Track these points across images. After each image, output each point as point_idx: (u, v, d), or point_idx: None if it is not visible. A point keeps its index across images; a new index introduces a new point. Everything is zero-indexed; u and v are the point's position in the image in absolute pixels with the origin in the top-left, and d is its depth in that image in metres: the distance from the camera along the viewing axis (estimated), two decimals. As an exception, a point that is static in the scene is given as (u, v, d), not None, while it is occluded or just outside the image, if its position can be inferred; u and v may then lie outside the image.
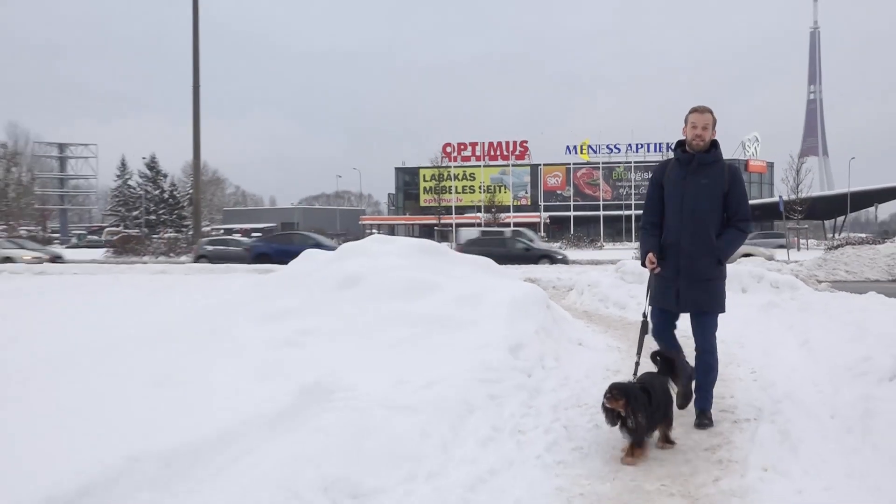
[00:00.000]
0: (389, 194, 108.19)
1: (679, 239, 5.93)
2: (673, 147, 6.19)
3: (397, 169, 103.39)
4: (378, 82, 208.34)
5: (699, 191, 5.87)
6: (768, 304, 12.37)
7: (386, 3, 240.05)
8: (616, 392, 5.27)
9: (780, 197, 53.29)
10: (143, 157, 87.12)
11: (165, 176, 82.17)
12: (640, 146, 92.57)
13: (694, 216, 5.87)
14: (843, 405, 6.07)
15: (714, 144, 6.00)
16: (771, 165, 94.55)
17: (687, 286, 5.93)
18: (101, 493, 3.97)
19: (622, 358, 9.03)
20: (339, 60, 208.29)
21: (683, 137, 6.04)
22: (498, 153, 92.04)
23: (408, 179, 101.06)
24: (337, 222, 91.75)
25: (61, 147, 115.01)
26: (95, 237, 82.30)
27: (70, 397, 5.93)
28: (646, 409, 5.21)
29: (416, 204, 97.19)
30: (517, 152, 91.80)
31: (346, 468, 4.65)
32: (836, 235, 45.73)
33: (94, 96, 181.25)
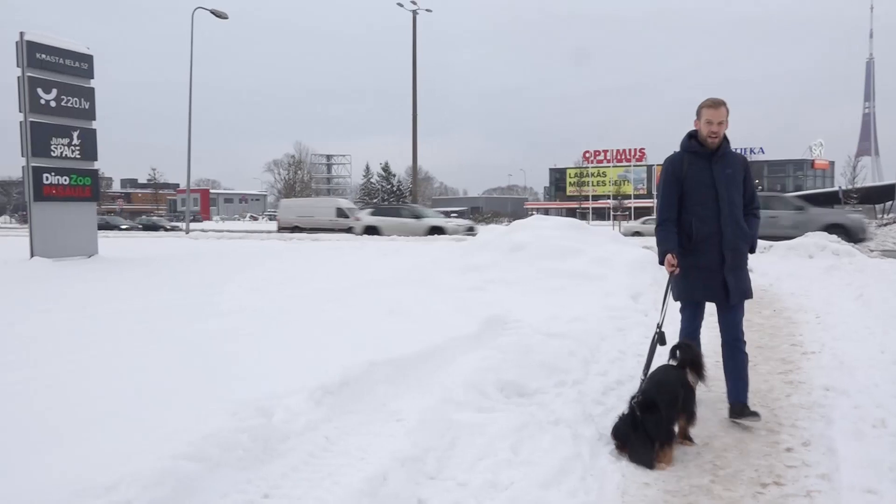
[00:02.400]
0: (545, 187, 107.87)
1: (720, 229, 4.10)
2: (684, 141, 4.27)
3: (551, 169, 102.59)
4: (540, 108, 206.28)
5: (728, 181, 4.14)
6: (830, 266, 11.37)
7: (541, 49, 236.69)
8: (616, 438, 3.66)
9: (840, 187, 49.59)
10: (380, 163, 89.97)
11: (394, 175, 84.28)
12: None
13: (731, 206, 4.12)
14: (891, 342, 5.63)
15: (724, 137, 4.23)
16: (832, 164, 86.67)
17: (735, 276, 4.15)
18: (354, 384, 4.13)
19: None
20: (511, 93, 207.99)
21: (694, 129, 4.23)
22: (623, 156, 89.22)
23: (558, 176, 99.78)
24: (508, 206, 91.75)
25: (328, 157, 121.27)
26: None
27: (331, 321, 6.21)
28: (657, 425, 3.51)
29: (564, 193, 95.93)
30: (637, 156, 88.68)
31: (516, 375, 4.64)
32: (885, 216, 41.77)
33: (348, 125, 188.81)
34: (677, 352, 3.95)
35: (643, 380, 3.83)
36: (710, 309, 4.37)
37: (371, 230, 28.60)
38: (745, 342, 4.23)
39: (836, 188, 53.44)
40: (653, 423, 3.50)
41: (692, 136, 4.22)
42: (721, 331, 4.28)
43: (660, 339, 4.01)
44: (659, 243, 4.22)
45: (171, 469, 2.77)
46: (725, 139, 4.17)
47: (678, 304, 4.42)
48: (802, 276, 10.50)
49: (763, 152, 77.06)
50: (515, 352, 5.02)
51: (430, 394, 4.15)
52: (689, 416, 3.79)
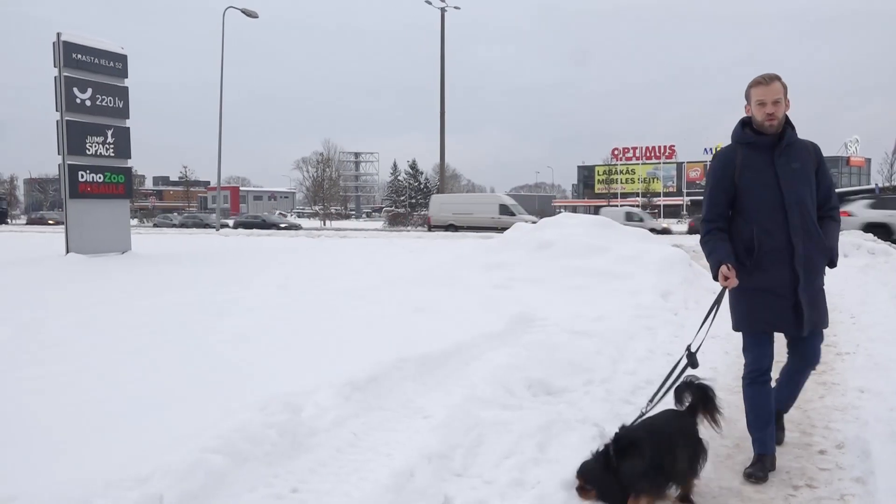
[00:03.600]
0: (573, 184, 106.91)
1: (789, 240, 3.22)
2: (736, 130, 3.39)
3: (579, 167, 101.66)
4: (569, 104, 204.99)
5: (796, 178, 3.24)
6: (865, 265, 11.14)
7: (571, 45, 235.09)
8: (582, 477, 2.90)
9: (877, 184, 48.62)
10: (408, 161, 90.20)
11: (422, 173, 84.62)
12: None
13: (801, 211, 3.22)
14: (929, 344, 5.46)
15: (786, 119, 3.31)
16: (868, 161, 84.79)
17: (810, 300, 3.26)
18: (381, 381, 4.14)
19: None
20: (539, 91, 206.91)
21: (747, 116, 3.36)
22: (652, 154, 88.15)
23: (586, 174, 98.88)
24: (536, 204, 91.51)
25: (356, 155, 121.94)
26: (377, 214, 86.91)
27: (359, 317, 6.25)
28: (634, 475, 2.74)
29: (592, 191, 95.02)
30: (667, 153, 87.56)
31: (543, 373, 4.61)
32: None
33: (378, 121, 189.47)
34: (685, 394, 3.10)
35: (643, 412, 3.09)
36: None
37: None
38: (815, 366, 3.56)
39: (872, 185, 52.45)
40: (629, 471, 2.75)
41: (745, 124, 3.35)
42: (790, 359, 3.57)
43: (690, 361, 3.21)
44: (708, 255, 3.36)
45: (201, 462, 2.81)
46: (789, 124, 3.31)
47: (739, 335, 3.54)
48: (837, 275, 10.20)
49: (796, 149, 75.83)
50: (542, 350, 4.99)
51: (457, 391, 4.15)
52: (692, 474, 2.94)
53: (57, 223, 52.71)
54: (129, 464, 2.80)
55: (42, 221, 56.33)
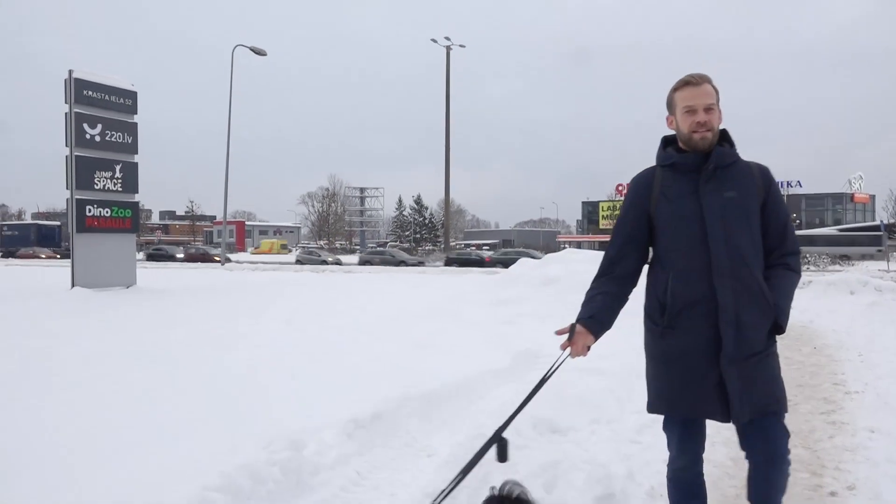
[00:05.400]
0: (577, 220, 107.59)
1: (713, 293, 2.33)
2: (659, 148, 2.54)
3: (583, 202, 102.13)
4: (574, 141, 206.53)
5: (728, 211, 2.36)
6: (872, 303, 11.07)
7: (577, 82, 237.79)
8: None
9: (882, 221, 48.67)
10: (412, 196, 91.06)
11: (426, 208, 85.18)
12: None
13: (731, 252, 2.34)
14: (939, 384, 5.39)
15: (724, 134, 2.46)
16: (873, 197, 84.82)
17: (740, 374, 2.33)
18: (385, 418, 4.12)
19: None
20: (546, 128, 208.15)
21: (671, 131, 2.52)
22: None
23: (591, 209, 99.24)
24: (540, 240, 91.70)
25: (361, 190, 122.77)
26: (381, 248, 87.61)
27: (363, 353, 6.23)
28: None
29: (597, 227, 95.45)
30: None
31: (549, 411, 4.57)
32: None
33: (381, 158, 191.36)
34: None
35: None
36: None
37: None
38: (789, 459, 2.48)
39: (877, 222, 52.49)
40: None
41: (669, 142, 2.53)
42: (747, 456, 2.53)
43: (499, 452, 2.23)
44: (582, 305, 2.60)
45: (203, 501, 2.78)
46: (726, 139, 2.47)
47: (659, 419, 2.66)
48: (844, 313, 10.24)
49: (801, 185, 75.64)
50: (548, 387, 4.94)
51: (462, 429, 4.12)
52: None
53: (49, 257, 52.79)
54: (130, 501, 2.78)
55: (35, 256, 55.97)
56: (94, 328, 8.45)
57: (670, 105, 2.49)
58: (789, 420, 3.13)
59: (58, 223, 72.92)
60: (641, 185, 2.53)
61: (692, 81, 2.41)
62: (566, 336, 2.52)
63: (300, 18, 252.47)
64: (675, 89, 2.45)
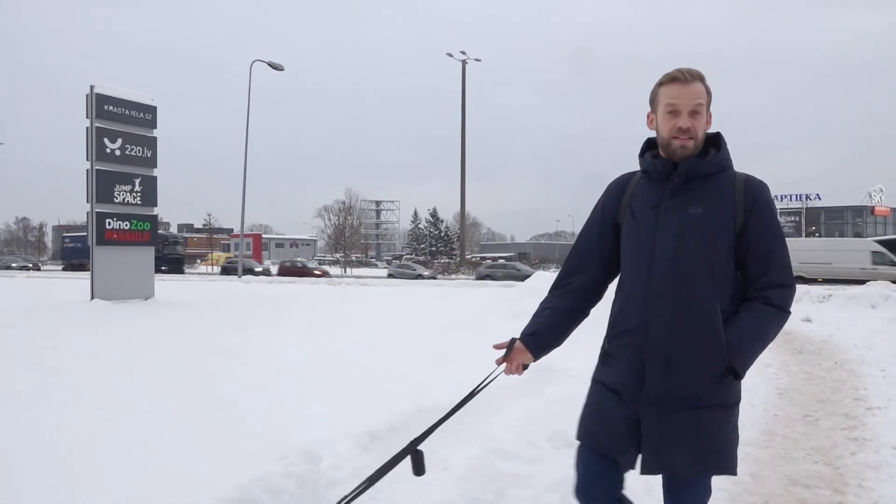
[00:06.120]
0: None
1: (645, 322, 2.01)
2: (640, 151, 2.19)
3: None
4: (591, 154, 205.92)
5: (686, 228, 1.99)
6: (894, 317, 10.92)
7: (595, 94, 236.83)
8: None
9: (905, 234, 48.03)
10: (428, 209, 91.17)
11: (442, 221, 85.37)
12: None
13: (675, 275, 1.98)
14: (967, 400, 5.26)
15: (715, 140, 2.10)
16: (894, 210, 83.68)
17: (661, 420, 1.98)
18: (402, 430, 4.10)
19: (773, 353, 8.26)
20: (563, 140, 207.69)
21: (652, 133, 2.16)
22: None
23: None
24: (556, 253, 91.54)
25: (377, 203, 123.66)
26: (397, 261, 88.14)
27: (380, 366, 6.23)
28: None
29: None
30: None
31: (564, 424, 4.53)
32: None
33: (398, 170, 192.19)
34: None
35: None
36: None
37: None
38: None
39: (897, 235, 51.88)
40: None
41: (651, 144, 2.19)
42: None
43: (414, 464, 2.13)
44: (531, 317, 2.38)
45: (219, 513, 2.78)
46: (715, 145, 2.10)
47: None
48: (865, 327, 10.10)
49: (819, 198, 74.83)
50: (564, 401, 4.92)
51: (477, 442, 4.10)
52: None
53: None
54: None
55: (37, 268, 56.31)
56: (113, 339, 8.52)
57: (653, 101, 2.13)
58: (810, 435, 2.98)
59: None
60: (613, 192, 2.23)
61: (680, 77, 2.04)
62: (503, 351, 2.32)
63: (315, 33, 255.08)
64: (661, 84, 2.09)
